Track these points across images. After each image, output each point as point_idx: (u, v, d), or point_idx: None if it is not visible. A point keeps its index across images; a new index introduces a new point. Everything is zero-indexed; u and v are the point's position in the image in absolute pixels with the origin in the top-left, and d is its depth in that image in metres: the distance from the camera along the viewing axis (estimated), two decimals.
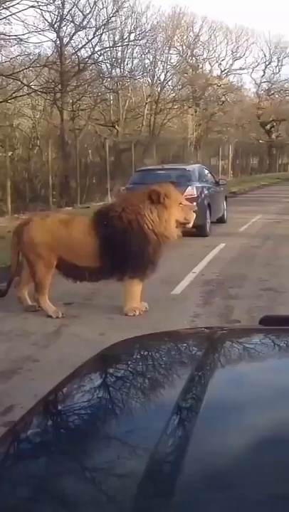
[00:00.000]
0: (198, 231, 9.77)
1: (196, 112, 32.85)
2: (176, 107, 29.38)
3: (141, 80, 26.11)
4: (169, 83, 29.51)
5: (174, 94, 29.86)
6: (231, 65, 38.83)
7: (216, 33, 35.83)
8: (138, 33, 22.18)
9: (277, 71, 44.55)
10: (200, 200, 10.48)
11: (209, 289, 6.54)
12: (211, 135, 36.11)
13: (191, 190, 10.49)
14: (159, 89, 27.90)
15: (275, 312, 5.46)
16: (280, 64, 43.99)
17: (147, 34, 22.55)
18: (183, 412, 0.99)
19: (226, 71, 38.49)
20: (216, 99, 35.15)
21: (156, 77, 27.78)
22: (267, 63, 43.01)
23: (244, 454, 0.85)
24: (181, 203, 5.42)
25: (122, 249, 5.28)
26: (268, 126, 44.10)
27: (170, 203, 5.27)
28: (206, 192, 11.42)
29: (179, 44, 31.73)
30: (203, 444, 0.88)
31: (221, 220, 12.62)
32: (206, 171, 12.94)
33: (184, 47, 32.51)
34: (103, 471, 0.83)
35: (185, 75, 31.49)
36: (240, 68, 40.22)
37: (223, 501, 0.73)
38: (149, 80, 27.33)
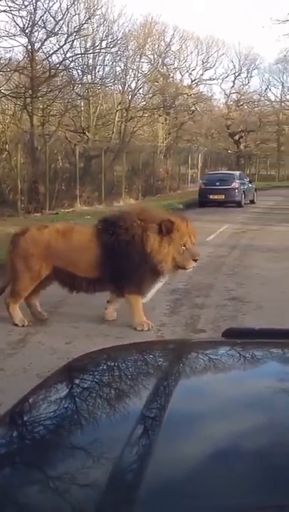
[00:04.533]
0: (237, 205, 20.54)
1: (166, 120, 33.13)
2: (146, 115, 29.58)
3: (112, 88, 26.20)
4: (140, 91, 29.69)
5: (144, 103, 30.04)
6: (202, 75, 39.36)
7: (186, 43, 36.33)
8: (110, 40, 22.28)
9: (247, 82, 45.36)
10: (239, 189, 20.84)
11: (176, 298, 6.61)
12: (181, 144, 36.46)
13: (234, 184, 20.75)
14: (129, 96, 28.03)
15: (239, 321, 5.57)
16: (249, 75, 44.82)
17: (119, 42, 22.65)
18: (147, 422, 1.02)
19: (196, 81, 38.98)
20: (186, 109, 35.51)
21: (127, 85, 27.91)
22: (236, 74, 43.73)
23: (206, 463, 0.88)
24: (184, 245, 5.14)
25: (124, 262, 5.17)
26: (237, 137, 44.76)
27: (175, 240, 5.08)
28: (242, 186, 21.33)
29: (150, 53, 31.99)
30: (166, 453, 0.90)
31: (252, 202, 22.48)
32: (244, 176, 23.75)
33: (155, 56, 32.79)
34: (67, 481, 0.85)
35: (156, 83, 31.74)
36: (210, 78, 40.78)
37: (185, 511, 0.76)
38: (120, 88, 27.44)
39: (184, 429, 1.01)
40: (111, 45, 22.06)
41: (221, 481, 0.82)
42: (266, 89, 48.57)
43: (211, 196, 20.60)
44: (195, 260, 5.25)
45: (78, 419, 1.10)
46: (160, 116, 31.96)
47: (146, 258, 5.12)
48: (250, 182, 23.24)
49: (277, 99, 49.36)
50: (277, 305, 6.18)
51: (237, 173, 23.53)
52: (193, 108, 36.51)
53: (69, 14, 19.10)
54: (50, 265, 5.39)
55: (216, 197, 20.44)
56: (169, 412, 1.04)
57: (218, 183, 20.71)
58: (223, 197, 20.36)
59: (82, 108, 24.80)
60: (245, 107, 44.94)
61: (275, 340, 1.60)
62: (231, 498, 0.78)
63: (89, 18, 20.67)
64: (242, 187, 21.15)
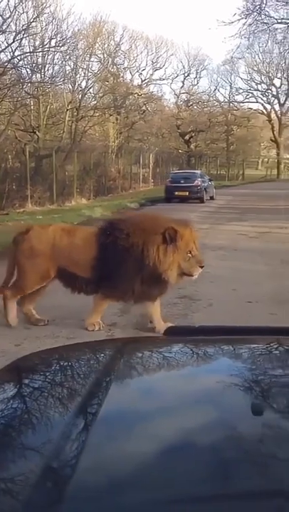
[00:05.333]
0: (200, 200, 22.96)
1: (117, 120, 33.15)
2: (97, 114, 29.52)
3: (62, 87, 25.99)
4: (91, 90, 29.62)
5: (95, 102, 29.98)
6: (151, 75, 39.64)
7: (136, 43, 36.56)
8: (59, 39, 22.08)
9: (196, 83, 46.05)
10: (201, 187, 23.53)
11: None
12: (132, 143, 36.57)
13: (197, 182, 23.41)
14: (80, 96, 27.90)
15: (190, 319, 5.66)
16: (198, 76, 45.48)
17: (68, 41, 22.50)
18: (85, 419, 1.03)
19: (146, 81, 39.20)
20: (136, 108, 35.66)
21: (77, 84, 27.80)
22: (186, 75, 44.29)
23: (141, 460, 0.89)
24: (190, 252, 5.02)
25: (113, 265, 5.08)
26: (187, 137, 45.26)
27: (180, 248, 4.95)
28: (203, 184, 23.99)
29: (100, 52, 31.97)
30: (102, 450, 0.93)
31: (212, 198, 24.96)
32: (204, 174, 26.62)
33: (105, 55, 32.80)
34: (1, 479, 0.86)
35: (106, 83, 31.71)
36: (160, 79, 41.13)
37: (116, 508, 0.77)
38: (70, 87, 27.28)
39: (122, 426, 1.03)
40: (60, 44, 21.88)
41: (157, 475, 0.84)
42: (215, 89, 49.49)
43: (176, 193, 23.12)
44: (201, 267, 5.15)
45: (16, 416, 1.11)
46: (111, 115, 31.96)
47: (140, 267, 4.99)
48: (210, 180, 26.26)
49: (226, 100, 50.28)
50: (228, 303, 6.31)
51: (199, 172, 26.92)
52: (144, 108, 36.71)
53: (17, 12, 18.85)
54: (56, 265, 5.31)
55: (180, 193, 22.98)
56: (107, 409, 1.06)
57: (182, 181, 23.41)
58: (187, 193, 23.01)
59: (32, 107, 24.51)
60: (195, 107, 45.52)
61: (214, 337, 1.66)
62: (168, 492, 0.80)
63: (37, 17, 20.45)
64: (203, 184, 23.90)
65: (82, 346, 1.77)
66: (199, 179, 23.84)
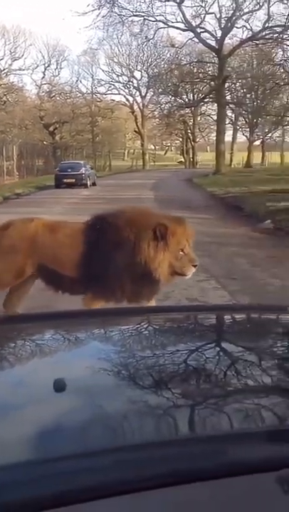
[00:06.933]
0: (84, 186, 26.45)
1: None
2: None
3: None
4: None
5: None
6: (10, 65, 38.48)
7: None
8: None
9: (57, 74, 45.52)
10: (85, 174, 27.35)
11: None
12: None
13: (82, 171, 27.30)
14: None
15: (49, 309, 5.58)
16: (59, 67, 44.99)
17: None
18: None
19: (5, 71, 38.00)
20: None
21: None
22: (46, 65, 43.60)
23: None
24: (183, 250, 4.74)
25: (100, 262, 4.71)
26: (52, 128, 44.72)
27: (171, 245, 4.66)
28: (87, 172, 27.81)
29: None
30: None
31: (94, 184, 28.29)
32: (87, 164, 30.43)
33: None
34: None
35: None
36: (20, 69, 40.09)
37: None
38: None
39: None
40: None
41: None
42: (77, 80, 49.30)
43: (64, 180, 26.90)
44: (194, 266, 4.82)
45: None
46: None
47: (131, 265, 4.67)
48: (91, 168, 30.43)
49: (89, 91, 50.43)
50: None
51: (82, 162, 30.96)
52: (4, 98, 35.58)
53: None
54: (36, 262, 4.82)
55: (68, 180, 26.82)
56: None
57: (69, 170, 27.40)
58: (74, 180, 26.77)
59: None
60: (58, 98, 45.09)
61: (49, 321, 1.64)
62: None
63: None
64: (87, 172, 27.96)
65: None
66: (83, 168, 27.92)
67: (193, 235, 4.97)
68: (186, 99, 47.35)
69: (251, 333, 1.47)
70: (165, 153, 77.09)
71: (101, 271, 4.90)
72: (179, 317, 1.71)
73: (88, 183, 27.34)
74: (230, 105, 41.54)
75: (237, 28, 34.43)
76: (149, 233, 4.79)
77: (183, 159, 62.15)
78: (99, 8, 31.64)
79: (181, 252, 4.82)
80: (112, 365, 1.15)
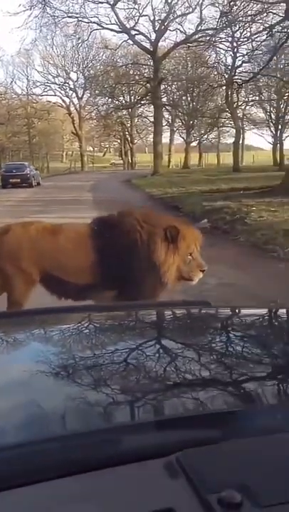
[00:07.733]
0: (29, 185, 28.41)
1: None
2: None
3: None
4: None
5: None
6: None
7: None
8: None
9: None
10: (30, 175, 29.30)
11: None
12: None
13: (27, 171, 29.30)
14: None
15: None
16: None
17: None
18: None
19: None
20: None
21: None
22: None
23: None
24: (191, 254, 4.54)
25: (123, 269, 4.40)
26: None
27: (181, 248, 4.46)
28: (31, 172, 29.72)
29: None
30: None
31: (38, 184, 30.06)
32: (31, 165, 32.62)
33: None
34: None
35: None
36: None
37: None
38: None
39: None
40: None
41: None
42: (12, 81, 48.44)
43: (10, 180, 28.58)
44: (202, 271, 4.61)
45: None
46: None
47: (150, 266, 4.42)
48: (36, 169, 32.39)
49: (24, 93, 49.68)
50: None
51: (27, 163, 32.50)
52: None
53: None
54: (40, 268, 4.45)
55: (14, 180, 28.54)
56: None
57: (14, 171, 29.08)
58: (19, 180, 28.50)
59: None
60: None
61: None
62: None
63: None
64: (31, 173, 29.80)
65: None
66: (28, 169, 29.83)
67: (201, 239, 4.74)
68: (123, 101, 47.54)
69: (174, 329, 1.50)
70: (104, 155, 77.07)
71: (130, 276, 4.58)
72: (118, 314, 1.71)
73: (33, 182, 29.08)
74: (167, 107, 41.99)
75: (171, 30, 35.04)
76: (162, 232, 4.46)
77: (115, 161, 62.61)
78: (31, 9, 31.21)
79: (189, 257, 4.63)
80: (46, 365, 1.15)
